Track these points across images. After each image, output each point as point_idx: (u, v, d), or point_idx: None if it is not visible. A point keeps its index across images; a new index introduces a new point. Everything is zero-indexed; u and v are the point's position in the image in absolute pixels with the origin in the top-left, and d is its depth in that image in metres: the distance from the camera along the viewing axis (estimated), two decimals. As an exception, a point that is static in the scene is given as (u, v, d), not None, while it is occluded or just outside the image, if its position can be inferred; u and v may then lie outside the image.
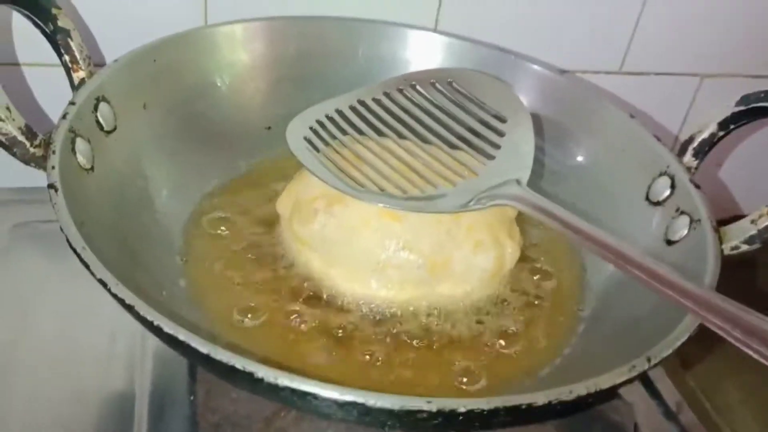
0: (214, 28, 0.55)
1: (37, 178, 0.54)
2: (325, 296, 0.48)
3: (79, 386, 0.46)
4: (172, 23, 0.54)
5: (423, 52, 0.60)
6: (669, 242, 0.48)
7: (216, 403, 0.45)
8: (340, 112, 0.51)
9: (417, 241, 0.46)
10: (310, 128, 0.49)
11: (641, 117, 0.57)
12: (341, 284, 0.47)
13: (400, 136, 0.50)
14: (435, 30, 0.62)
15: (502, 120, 0.51)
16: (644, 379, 0.51)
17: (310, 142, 0.48)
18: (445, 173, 0.47)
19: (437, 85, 0.53)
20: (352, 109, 0.52)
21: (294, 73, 0.59)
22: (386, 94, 0.53)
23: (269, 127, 0.58)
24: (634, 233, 0.50)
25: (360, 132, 0.50)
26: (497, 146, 0.49)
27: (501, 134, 0.50)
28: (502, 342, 0.47)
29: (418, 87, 0.53)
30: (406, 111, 0.52)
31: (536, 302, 0.50)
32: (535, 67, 0.59)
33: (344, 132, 0.50)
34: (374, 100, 0.52)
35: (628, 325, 0.45)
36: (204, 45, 0.55)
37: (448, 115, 0.51)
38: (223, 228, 0.51)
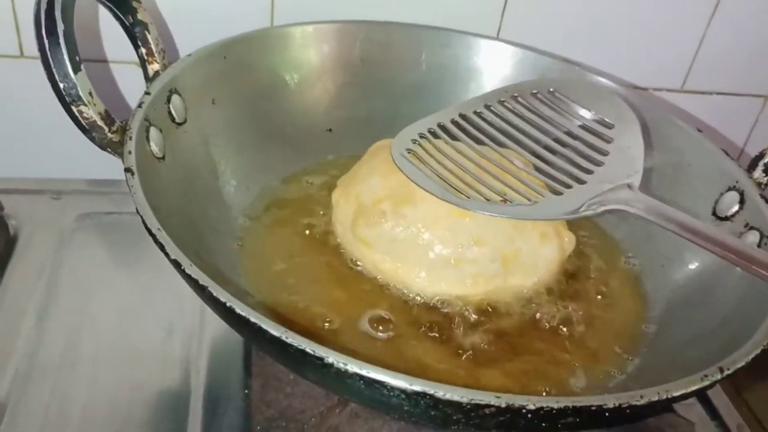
0: (285, 28, 0.56)
1: (103, 170, 0.56)
2: (397, 294, 0.48)
3: (136, 377, 0.47)
4: (239, 22, 0.55)
5: (486, 61, 0.61)
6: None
7: (270, 397, 0.45)
8: (442, 126, 0.51)
9: (488, 235, 0.47)
10: (413, 141, 0.49)
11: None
12: (415, 283, 0.48)
13: (503, 146, 0.50)
14: (497, 38, 0.63)
15: (609, 126, 0.50)
16: (706, 400, 0.50)
17: (414, 155, 0.48)
18: (551, 181, 0.47)
19: (539, 95, 0.53)
20: (454, 123, 0.51)
21: (358, 77, 0.59)
22: (487, 107, 0.52)
23: (330, 129, 0.59)
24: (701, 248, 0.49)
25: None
26: (605, 152, 0.48)
27: (608, 140, 0.49)
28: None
29: (519, 98, 0.53)
30: (508, 122, 0.51)
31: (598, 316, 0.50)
32: (601, 79, 0.58)
33: (447, 144, 0.49)
34: (476, 113, 0.52)
35: (693, 340, 0.44)
36: (274, 44, 0.56)
37: (552, 124, 0.51)
38: (283, 227, 0.52)
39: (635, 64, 0.68)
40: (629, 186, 0.45)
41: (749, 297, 0.43)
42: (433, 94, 0.61)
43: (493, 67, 0.61)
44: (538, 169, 0.48)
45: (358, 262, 0.49)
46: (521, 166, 0.48)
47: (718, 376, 0.35)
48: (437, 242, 0.47)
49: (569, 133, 0.50)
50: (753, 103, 0.73)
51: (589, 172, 0.47)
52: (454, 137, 0.50)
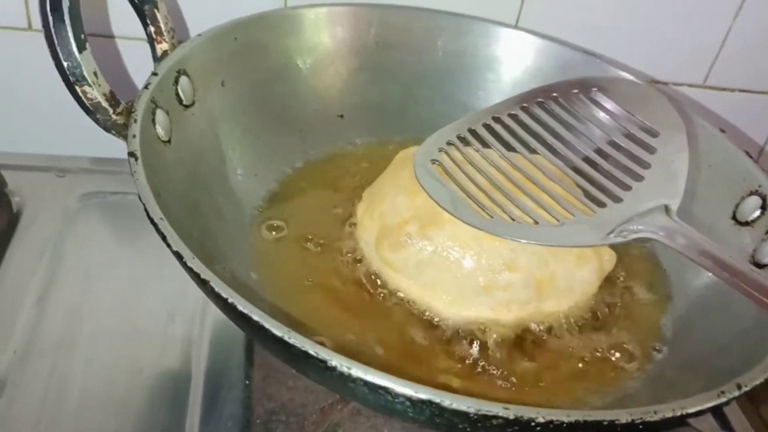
0: (298, 10, 0.55)
1: (110, 149, 0.54)
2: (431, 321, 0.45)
3: (136, 362, 0.46)
4: (251, 2, 0.54)
5: (505, 50, 0.59)
6: (758, 265, 0.46)
7: (272, 389, 0.45)
8: (472, 131, 0.47)
9: (521, 259, 0.44)
10: (440, 150, 0.46)
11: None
12: (444, 310, 0.45)
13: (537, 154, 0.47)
14: (516, 26, 0.61)
15: (654, 134, 0.46)
16: (719, 411, 0.49)
17: (439, 166, 0.45)
18: (586, 198, 0.43)
19: (581, 95, 0.49)
20: (486, 127, 0.48)
21: (372, 63, 0.58)
22: (524, 109, 0.49)
23: (342, 116, 0.57)
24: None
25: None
26: (647, 165, 0.44)
27: (652, 151, 0.45)
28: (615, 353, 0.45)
29: (559, 99, 0.49)
30: (545, 127, 0.47)
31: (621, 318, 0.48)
32: (622, 73, 0.57)
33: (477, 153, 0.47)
34: (510, 115, 0.48)
35: (710, 350, 0.43)
36: (287, 26, 0.54)
37: (593, 129, 0.47)
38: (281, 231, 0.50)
39: (656, 57, 0.66)
40: (666, 209, 0.41)
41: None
42: (449, 81, 0.59)
43: (511, 56, 0.59)
44: (573, 182, 0.45)
45: (384, 284, 0.47)
46: (556, 179, 0.45)
47: (736, 393, 0.34)
48: (467, 268, 0.44)
49: (610, 141, 0.46)
50: (776, 102, 0.71)
51: (627, 188, 0.43)
52: (485, 144, 0.47)
